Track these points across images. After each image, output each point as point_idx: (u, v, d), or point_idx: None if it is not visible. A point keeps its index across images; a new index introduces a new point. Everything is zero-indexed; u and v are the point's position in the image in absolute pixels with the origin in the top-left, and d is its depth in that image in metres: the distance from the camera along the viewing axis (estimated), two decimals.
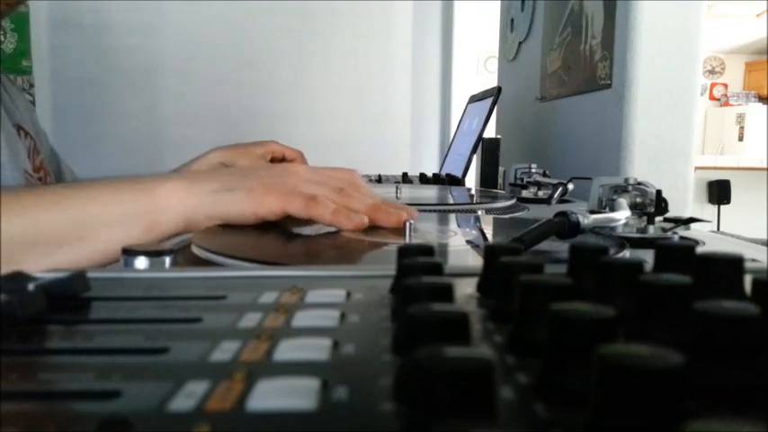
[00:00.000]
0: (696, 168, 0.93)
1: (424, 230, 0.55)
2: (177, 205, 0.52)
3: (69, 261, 0.48)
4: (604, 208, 0.61)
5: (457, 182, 1.21)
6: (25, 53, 2.00)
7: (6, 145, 0.72)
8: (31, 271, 0.46)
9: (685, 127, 0.90)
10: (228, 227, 0.55)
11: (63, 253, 0.48)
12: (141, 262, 0.34)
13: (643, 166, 0.89)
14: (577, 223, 0.45)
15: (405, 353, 0.16)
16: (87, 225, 0.49)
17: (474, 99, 1.40)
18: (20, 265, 0.46)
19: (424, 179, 1.29)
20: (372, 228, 0.52)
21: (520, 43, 1.45)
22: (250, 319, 0.21)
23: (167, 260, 0.34)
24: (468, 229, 0.61)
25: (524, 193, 0.97)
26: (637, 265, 0.21)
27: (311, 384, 0.15)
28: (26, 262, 0.45)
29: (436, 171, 1.39)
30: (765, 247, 0.51)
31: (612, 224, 0.53)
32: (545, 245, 0.42)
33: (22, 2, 0.76)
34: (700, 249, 0.23)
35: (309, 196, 0.51)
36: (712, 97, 4.57)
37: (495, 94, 1.20)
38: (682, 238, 0.54)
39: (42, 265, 0.46)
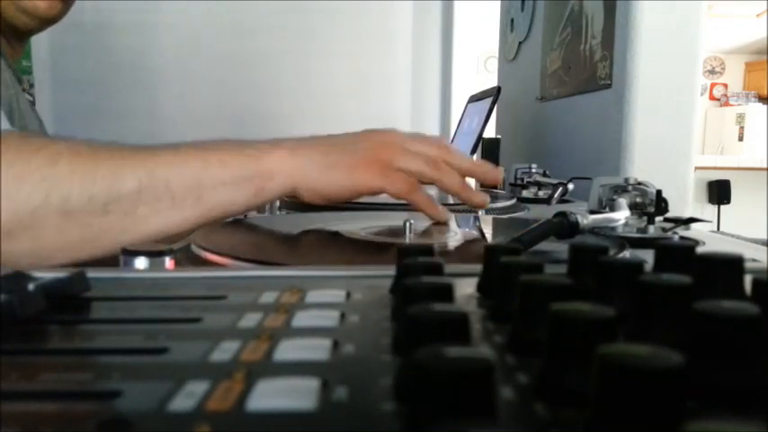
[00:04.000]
0: (696, 168, 0.93)
1: (424, 230, 0.55)
2: (285, 173, 0.54)
3: (182, 219, 0.50)
4: (604, 208, 0.61)
5: None
6: (25, 53, 2.00)
7: None
8: (148, 227, 0.49)
9: (685, 127, 0.90)
10: (229, 227, 0.55)
11: (178, 211, 0.50)
12: (141, 262, 0.34)
13: (643, 166, 0.89)
14: (576, 223, 0.44)
15: (405, 353, 0.16)
16: (206, 185, 0.51)
17: (474, 99, 1.40)
18: (139, 220, 0.48)
19: None
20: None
21: (520, 43, 1.45)
22: (250, 319, 0.21)
23: (167, 260, 0.34)
24: (468, 229, 0.61)
25: (524, 193, 0.97)
26: (637, 265, 0.21)
27: (311, 384, 0.15)
28: (146, 217, 0.48)
29: None
30: (765, 247, 0.51)
31: (612, 224, 0.53)
32: (545, 245, 0.42)
33: (56, 21, 0.77)
34: (700, 249, 0.23)
35: (410, 183, 0.55)
36: (712, 97, 4.56)
37: (494, 93, 1.20)
38: (682, 238, 0.54)
39: (156, 221, 0.49)
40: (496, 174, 0.61)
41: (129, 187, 0.48)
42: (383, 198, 0.79)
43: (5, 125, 0.60)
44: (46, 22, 0.76)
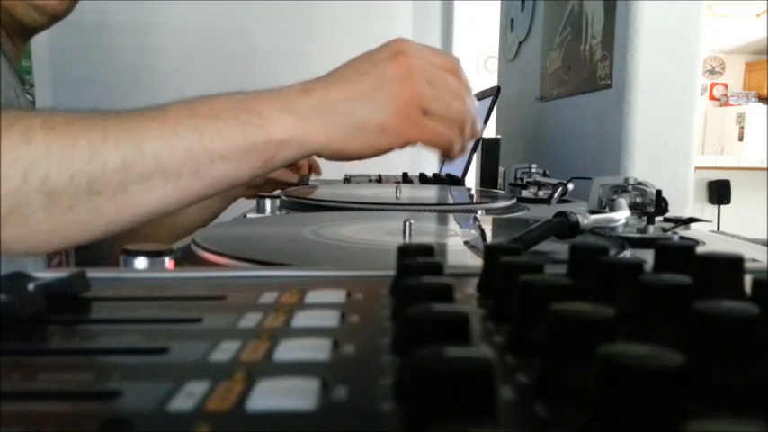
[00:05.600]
0: (696, 168, 0.93)
1: (424, 230, 0.55)
2: (298, 140, 0.48)
3: (179, 196, 0.46)
4: (604, 208, 0.61)
5: (457, 182, 1.21)
6: (25, 53, 2.00)
7: None
8: (145, 206, 0.45)
9: (685, 127, 0.90)
10: (229, 227, 0.55)
11: (173, 187, 0.45)
12: (141, 262, 0.34)
13: (643, 166, 0.89)
14: (576, 223, 0.45)
15: (405, 353, 0.16)
16: (202, 159, 0.46)
17: None
18: (133, 198, 0.44)
19: (424, 179, 1.29)
20: None
21: (520, 43, 1.45)
22: (250, 320, 0.21)
23: (167, 260, 0.34)
24: (468, 230, 0.61)
25: (524, 193, 0.97)
26: (637, 265, 0.21)
27: (311, 384, 0.15)
28: (138, 195, 0.44)
29: (436, 171, 1.39)
30: (765, 247, 0.51)
31: (612, 224, 0.53)
32: (545, 245, 0.42)
33: (63, 17, 0.77)
34: (700, 249, 0.23)
35: (448, 136, 0.51)
36: (712, 97, 4.56)
37: (494, 93, 1.20)
38: (682, 238, 0.54)
39: (152, 198, 0.45)
40: (465, 149, 0.55)
41: (113, 164, 0.43)
42: (384, 198, 0.79)
43: None
44: (55, 18, 0.76)
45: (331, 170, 1.05)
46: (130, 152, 0.43)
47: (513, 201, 0.82)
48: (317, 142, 0.49)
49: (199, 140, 0.45)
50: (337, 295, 0.25)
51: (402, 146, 0.51)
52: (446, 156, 0.54)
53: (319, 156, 0.51)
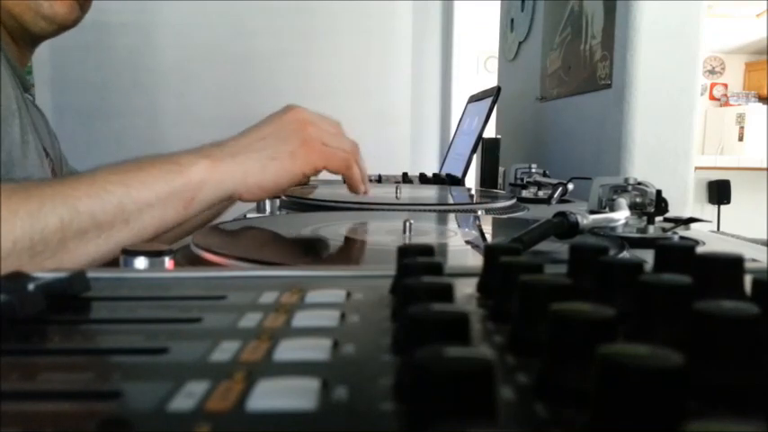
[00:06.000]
0: (696, 168, 0.93)
1: (424, 230, 0.55)
2: (215, 181, 0.55)
3: (114, 244, 0.50)
4: (604, 208, 0.61)
5: (457, 182, 1.21)
6: None
7: (39, 163, 0.72)
8: (81, 257, 0.48)
9: (685, 127, 0.90)
10: (229, 226, 0.55)
11: (107, 237, 0.50)
12: (141, 262, 0.34)
13: (643, 166, 0.89)
14: (576, 223, 0.45)
15: (405, 353, 0.16)
16: (131, 209, 0.51)
17: (474, 99, 1.40)
18: (72, 253, 0.48)
19: (424, 179, 1.29)
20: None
21: (520, 43, 1.45)
22: (250, 319, 0.21)
23: (167, 260, 0.34)
24: (467, 230, 0.61)
25: (524, 193, 0.97)
26: (637, 265, 0.21)
27: (311, 384, 0.15)
28: (77, 249, 0.49)
29: (436, 171, 1.39)
30: (765, 247, 0.51)
31: (612, 224, 0.53)
32: (545, 245, 0.42)
33: (72, 26, 0.77)
34: (700, 249, 0.23)
35: (347, 157, 0.60)
36: (712, 97, 4.56)
37: (494, 93, 1.20)
38: (682, 238, 0.54)
39: (90, 250, 0.49)
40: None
41: (52, 226, 0.47)
42: (384, 198, 0.79)
43: None
44: (63, 27, 0.76)
45: None
46: (67, 213, 0.48)
47: (513, 201, 0.82)
48: (235, 179, 0.56)
49: (126, 192, 0.51)
50: (337, 295, 0.25)
51: (311, 171, 0.60)
52: (350, 184, 0.64)
53: (239, 198, 0.58)
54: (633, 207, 0.57)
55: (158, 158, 0.55)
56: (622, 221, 0.54)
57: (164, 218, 0.53)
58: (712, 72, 4.56)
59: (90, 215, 0.49)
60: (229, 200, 0.59)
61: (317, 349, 0.18)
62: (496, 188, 1.17)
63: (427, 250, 0.26)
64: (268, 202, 0.71)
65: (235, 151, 0.57)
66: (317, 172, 0.60)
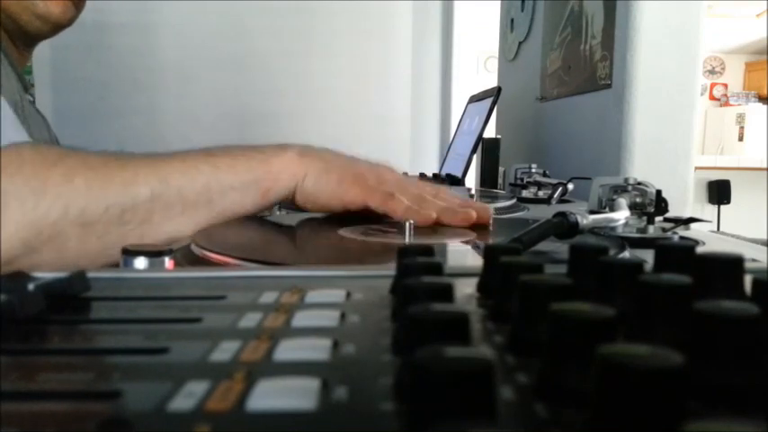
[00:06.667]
0: (696, 168, 0.92)
1: (424, 230, 0.55)
2: (289, 174, 0.56)
3: (194, 225, 0.52)
4: (604, 208, 0.61)
5: (457, 182, 1.21)
6: None
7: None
8: (162, 233, 0.51)
9: (685, 127, 0.90)
10: (229, 226, 0.55)
11: (188, 216, 0.52)
12: (141, 262, 0.34)
13: (643, 166, 0.89)
14: (576, 223, 0.44)
15: (405, 353, 0.16)
16: (216, 190, 0.53)
17: (474, 99, 1.40)
18: (155, 227, 0.51)
19: (424, 179, 1.29)
20: (442, 226, 0.54)
21: (520, 43, 1.45)
22: (250, 319, 0.21)
23: (167, 260, 0.34)
24: (467, 229, 0.61)
25: (524, 193, 0.97)
26: (637, 265, 0.21)
27: (311, 384, 0.15)
28: (160, 224, 0.51)
29: (436, 171, 1.39)
30: (765, 247, 0.51)
31: (612, 224, 0.53)
32: (545, 245, 0.42)
33: (67, 26, 0.78)
34: (700, 249, 0.23)
35: (388, 194, 0.56)
36: (712, 97, 4.56)
37: (494, 94, 1.20)
38: (682, 238, 0.54)
39: (170, 228, 0.52)
40: (467, 216, 0.54)
41: (143, 197, 0.50)
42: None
43: (22, 136, 0.61)
44: (59, 26, 0.77)
45: None
46: (158, 185, 0.51)
47: (513, 201, 0.82)
48: (300, 178, 0.56)
49: (214, 174, 0.53)
50: (337, 295, 0.25)
51: (353, 203, 0.56)
52: (393, 217, 0.57)
53: (293, 201, 0.58)
54: (633, 207, 0.57)
55: (246, 147, 0.57)
56: (622, 221, 0.54)
57: (243, 204, 0.55)
58: (712, 72, 4.56)
59: (178, 190, 0.51)
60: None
61: (316, 349, 0.18)
62: (496, 188, 1.17)
63: (427, 250, 0.26)
64: None
65: (312, 153, 0.58)
66: (357, 206, 0.56)
